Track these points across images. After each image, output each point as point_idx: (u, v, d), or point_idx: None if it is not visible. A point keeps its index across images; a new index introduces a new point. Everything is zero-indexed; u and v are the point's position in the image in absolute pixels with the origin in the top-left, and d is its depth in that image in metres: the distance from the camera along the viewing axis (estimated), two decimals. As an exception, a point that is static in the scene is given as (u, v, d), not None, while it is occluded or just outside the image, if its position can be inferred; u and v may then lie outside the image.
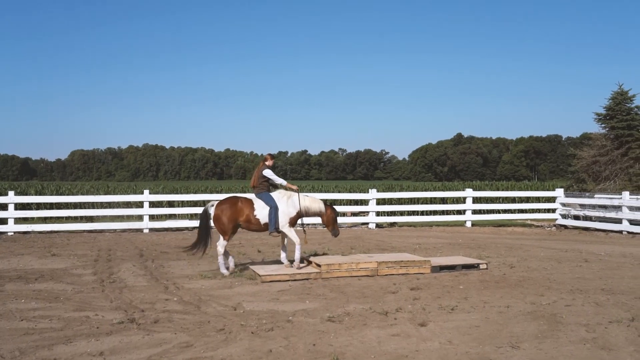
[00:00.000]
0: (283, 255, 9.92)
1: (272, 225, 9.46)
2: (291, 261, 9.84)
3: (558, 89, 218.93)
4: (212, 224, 9.66)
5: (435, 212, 21.95)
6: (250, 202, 9.58)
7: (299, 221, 9.93)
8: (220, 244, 9.47)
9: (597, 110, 24.95)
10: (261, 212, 9.51)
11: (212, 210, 9.62)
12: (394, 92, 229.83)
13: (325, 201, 10.13)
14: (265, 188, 9.76)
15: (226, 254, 9.64)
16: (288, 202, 9.67)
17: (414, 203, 25.71)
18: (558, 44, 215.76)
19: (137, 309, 7.01)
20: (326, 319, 6.55)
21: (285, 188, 10.01)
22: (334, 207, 10.25)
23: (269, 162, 9.94)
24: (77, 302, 7.43)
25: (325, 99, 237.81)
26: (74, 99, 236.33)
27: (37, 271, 9.84)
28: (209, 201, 21.13)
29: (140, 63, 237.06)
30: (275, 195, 9.73)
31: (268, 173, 9.74)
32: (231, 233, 9.51)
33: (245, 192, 25.26)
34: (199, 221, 10.04)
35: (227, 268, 9.55)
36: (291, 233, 9.64)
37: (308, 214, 9.86)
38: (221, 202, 9.60)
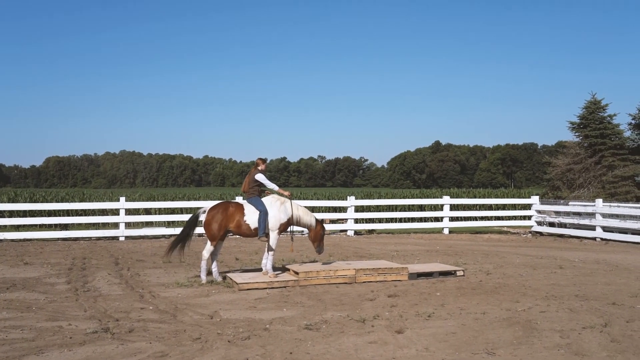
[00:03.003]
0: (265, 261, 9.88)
1: (262, 230, 9.40)
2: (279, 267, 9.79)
3: (534, 98, 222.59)
4: (201, 229, 9.58)
5: (413, 219, 22.15)
6: (241, 207, 9.53)
7: (289, 228, 9.91)
8: (206, 249, 9.40)
9: (571, 119, 25.43)
10: (251, 217, 9.44)
11: (202, 217, 9.53)
12: (372, 99, 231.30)
13: (318, 219, 10.10)
14: (257, 193, 9.69)
15: (213, 257, 9.57)
16: (280, 207, 9.62)
17: (392, 210, 25.85)
18: (533, 52, 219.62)
19: (111, 318, 6.91)
20: (303, 327, 6.53)
21: (278, 193, 9.99)
22: (324, 225, 10.25)
23: (261, 167, 9.82)
24: (50, 311, 7.29)
25: (304, 106, 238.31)
26: (49, 104, 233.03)
27: (9, 280, 9.64)
28: (186, 209, 20.98)
29: (118, 69, 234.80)
30: (268, 200, 9.67)
31: (260, 177, 9.66)
32: (220, 239, 9.46)
33: (223, 199, 25.16)
34: (183, 228, 9.84)
35: (211, 274, 9.51)
36: (274, 240, 9.61)
37: (299, 223, 9.83)
38: (213, 208, 9.53)
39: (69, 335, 6.13)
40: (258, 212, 9.43)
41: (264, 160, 9.92)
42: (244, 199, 9.69)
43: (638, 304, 7.91)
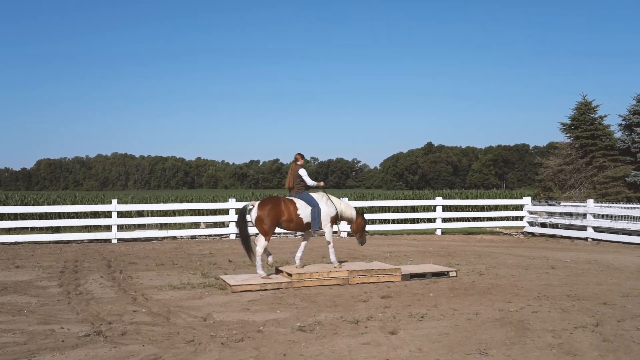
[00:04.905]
0: (299, 255, 10.03)
1: (316, 223, 9.65)
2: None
3: (525, 99, 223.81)
4: (250, 224, 9.68)
5: (406, 221, 22.16)
6: (292, 202, 9.66)
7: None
8: (260, 245, 9.39)
9: (562, 120, 25.55)
10: (304, 211, 9.62)
11: (253, 212, 9.49)
12: (365, 101, 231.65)
13: (358, 211, 10.37)
14: (303, 188, 9.92)
15: (265, 251, 9.62)
16: (328, 202, 9.90)
17: (385, 211, 25.84)
18: (525, 54, 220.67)
19: (104, 321, 6.88)
20: (297, 329, 6.53)
21: (316, 187, 10.16)
22: (364, 215, 10.48)
23: (300, 162, 10.08)
24: (42, 315, 7.25)
25: (297, 107, 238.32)
26: (40, 106, 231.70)
27: (0, 284, 9.57)
28: (179, 211, 20.87)
29: (110, 72, 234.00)
30: (316, 196, 9.91)
31: (303, 173, 9.89)
32: (272, 232, 9.58)
33: (216, 201, 25.05)
34: (238, 228, 9.86)
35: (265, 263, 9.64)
36: (329, 234, 9.88)
37: (342, 217, 10.11)
38: (264, 203, 9.49)
39: (61, 338, 6.10)
40: (311, 207, 9.65)
41: (302, 156, 10.17)
42: (294, 195, 9.73)
43: (629, 304, 7.97)
